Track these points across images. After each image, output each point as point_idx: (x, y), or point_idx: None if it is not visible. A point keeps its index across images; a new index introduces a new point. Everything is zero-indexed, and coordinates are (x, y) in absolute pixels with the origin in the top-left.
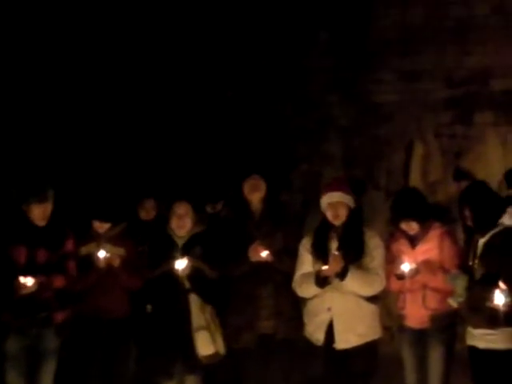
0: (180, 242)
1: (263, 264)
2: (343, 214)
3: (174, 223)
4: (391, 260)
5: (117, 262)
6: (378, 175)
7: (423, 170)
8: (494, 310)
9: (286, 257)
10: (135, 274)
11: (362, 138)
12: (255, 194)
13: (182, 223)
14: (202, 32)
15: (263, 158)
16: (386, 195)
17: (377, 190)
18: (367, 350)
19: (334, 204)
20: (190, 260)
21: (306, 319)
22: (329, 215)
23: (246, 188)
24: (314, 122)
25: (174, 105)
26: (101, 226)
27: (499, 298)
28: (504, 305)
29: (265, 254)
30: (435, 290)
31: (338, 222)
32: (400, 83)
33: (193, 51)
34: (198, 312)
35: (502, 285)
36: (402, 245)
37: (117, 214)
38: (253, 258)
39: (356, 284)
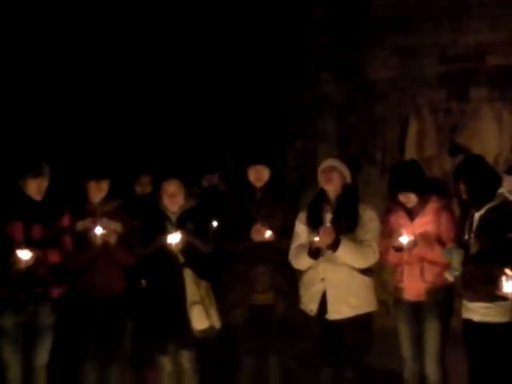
0: (173, 217)
1: (262, 243)
2: (336, 179)
3: (165, 201)
4: (389, 233)
5: (113, 239)
6: (374, 152)
7: (419, 145)
8: (489, 286)
9: (285, 235)
10: (130, 250)
11: (357, 116)
12: (260, 182)
13: (174, 201)
14: (196, 7)
15: (260, 134)
16: (381, 171)
17: (372, 166)
18: (361, 322)
19: (327, 169)
20: (183, 234)
21: (301, 291)
22: (321, 181)
23: (252, 176)
24: (309, 99)
25: (171, 81)
26: (97, 189)
27: (508, 286)
28: None
29: (268, 234)
30: (433, 263)
31: (330, 188)
32: (395, 60)
33: (187, 27)
34: (193, 286)
35: (508, 271)
36: (401, 217)
37: (110, 171)
38: (256, 237)
39: (348, 255)
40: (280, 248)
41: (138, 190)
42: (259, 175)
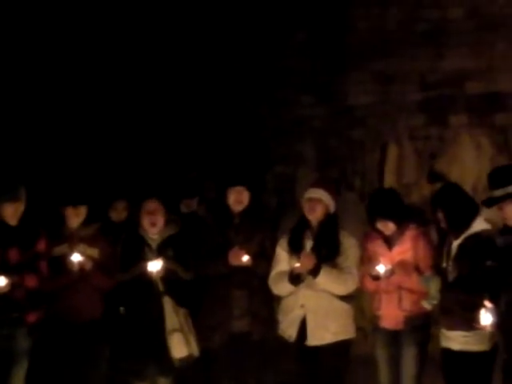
0: (154, 244)
1: (240, 267)
2: (319, 210)
3: (145, 221)
4: (367, 260)
5: (89, 265)
6: (352, 177)
7: (397, 171)
8: (467, 313)
9: (263, 260)
10: (108, 275)
11: (336, 140)
12: (239, 205)
13: (154, 219)
14: (175, 31)
15: (239, 158)
16: (359, 197)
17: (350, 192)
18: (339, 348)
19: (312, 199)
20: (164, 261)
21: (279, 317)
22: (305, 209)
23: (232, 198)
24: (288, 122)
25: (148, 104)
26: (75, 214)
27: (486, 319)
28: (491, 325)
29: (245, 258)
30: (410, 291)
31: (312, 217)
32: (374, 85)
33: (166, 51)
34: (172, 314)
35: (487, 303)
36: (379, 245)
37: (88, 197)
38: (233, 262)
39: (329, 282)
40: (258, 273)
41: (114, 215)
42: (239, 197)
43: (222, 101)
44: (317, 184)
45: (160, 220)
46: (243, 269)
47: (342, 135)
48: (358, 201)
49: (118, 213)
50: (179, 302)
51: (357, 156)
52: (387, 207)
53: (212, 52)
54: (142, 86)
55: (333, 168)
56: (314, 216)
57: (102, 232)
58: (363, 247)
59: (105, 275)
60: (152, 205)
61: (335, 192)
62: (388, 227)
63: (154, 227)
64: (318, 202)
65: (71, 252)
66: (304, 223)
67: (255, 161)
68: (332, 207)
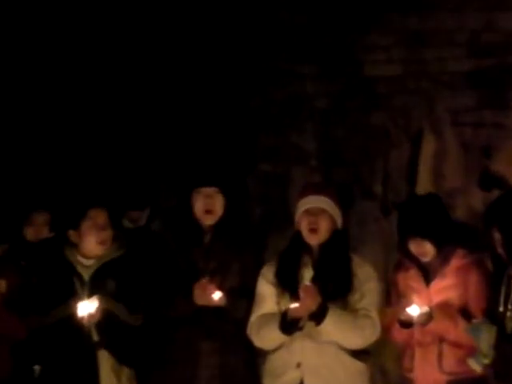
0: (86, 274)
1: (210, 308)
2: (324, 227)
3: (91, 242)
4: (394, 300)
5: None
6: (370, 180)
7: (436, 172)
8: None
9: (244, 299)
10: (18, 318)
11: (348, 127)
12: (211, 216)
13: (106, 237)
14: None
15: (210, 152)
16: (382, 208)
17: (368, 201)
18: None
19: (313, 211)
20: (101, 301)
21: (266, 380)
22: (304, 227)
23: (199, 206)
24: (279, 103)
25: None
26: None
27: None
28: None
29: (217, 296)
30: (455, 345)
31: (315, 239)
32: (403, 50)
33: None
34: (111, 376)
35: None
36: (411, 278)
37: None
38: (200, 300)
39: (338, 331)
40: (235, 317)
41: (30, 233)
42: (210, 203)
43: (182, 67)
44: (317, 189)
45: (110, 238)
46: (214, 311)
47: (355, 121)
48: (378, 214)
49: (37, 229)
50: (121, 358)
51: (377, 151)
52: (424, 221)
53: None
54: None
55: (342, 168)
56: (317, 237)
57: (10, 256)
58: (389, 280)
59: (13, 318)
60: (100, 217)
61: (339, 200)
62: (425, 251)
63: (102, 246)
64: (321, 215)
65: None
66: (300, 244)
67: (233, 156)
68: (339, 221)
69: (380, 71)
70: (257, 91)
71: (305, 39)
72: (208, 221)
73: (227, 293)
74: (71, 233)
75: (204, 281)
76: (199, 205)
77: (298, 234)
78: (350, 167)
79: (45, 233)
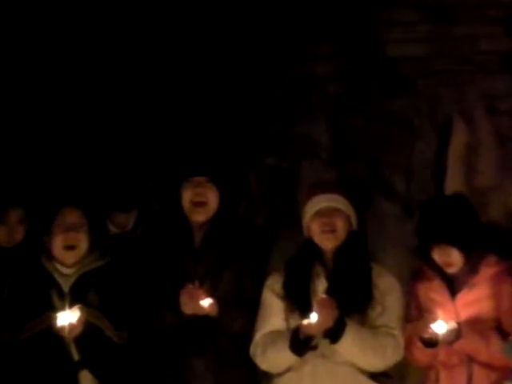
0: (66, 283)
1: (201, 319)
2: (341, 227)
3: (58, 246)
4: (417, 315)
5: None
6: (392, 176)
7: (467, 167)
8: None
9: (239, 308)
10: None
11: (365, 115)
12: (202, 211)
13: (73, 239)
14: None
15: (204, 143)
16: (404, 209)
17: (389, 201)
18: None
19: (325, 212)
20: (83, 312)
21: None
22: (316, 230)
23: (187, 198)
24: (287, 87)
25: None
26: None
27: None
28: None
29: (206, 303)
30: (488, 366)
31: (331, 241)
32: (429, 27)
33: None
34: None
35: None
36: (435, 289)
37: None
38: (187, 309)
39: (356, 350)
40: (229, 330)
41: (2, 234)
42: (201, 193)
43: (179, 51)
44: (326, 187)
45: (83, 243)
46: (205, 323)
47: (374, 108)
48: (400, 215)
49: (10, 229)
50: (105, 380)
51: (399, 142)
52: (450, 225)
53: None
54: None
55: (359, 162)
56: (333, 237)
57: None
58: (411, 293)
59: None
60: (71, 216)
61: (352, 199)
62: (451, 259)
63: (71, 252)
64: (335, 215)
65: None
66: (311, 251)
67: (232, 148)
68: (354, 222)
69: (402, 51)
70: (260, 75)
71: (316, 14)
72: (198, 216)
73: (219, 301)
74: (45, 238)
75: (191, 286)
76: (188, 195)
77: (309, 240)
78: (367, 161)
79: (19, 233)
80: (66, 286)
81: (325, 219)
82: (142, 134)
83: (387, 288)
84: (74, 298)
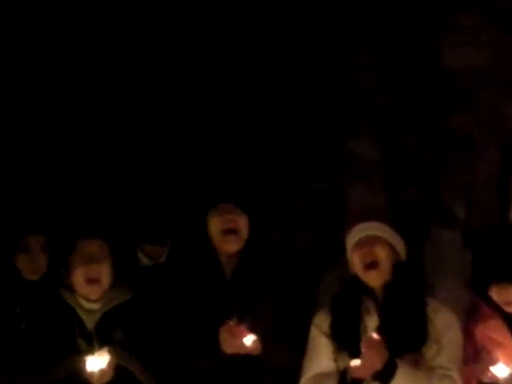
0: (90, 320)
1: (240, 358)
2: (383, 258)
3: (79, 279)
4: (474, 355)
5: None
6: (450, 200)
7: None
8: None
9: (282, 345)
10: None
11: (419, 132)
12: (232, 241)
13: (96, 273)
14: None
15: (243, 172)
16: (463, 238)
17: (447, 228)
18: None
19: (365, 241)
20: (112, 355)
21: None
22: (357, 264)
23: (216, 228)
24: (331, 101)
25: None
26: None
27: None
28: None
29: (249, 340)
30: None
31: (375, 277)
32: (493, 33)
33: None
34: None
35: None
36: (495, 330)
37: None
38: (228, 348)
39: None
40: (273, 368)
41: (24, 266)
42: (230, 220)
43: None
44: (365, 215)
45: (106, 274)
46: (246, 360)
47: (430, 124)
48: (460, 244)
49: (31, 257)
50: None
51: (458, 162)
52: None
53: None
54: None
55: (414, 186)
56: (375, 272)
57: None
58: (467, 331)
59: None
60: (91, 247)
61: (398, 225)
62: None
63: (94, 286)
64: (376, 245)
65: None
66: (358, 286)
67: (275, 171)
68: (402, 251)
69: (461, 60)
70: (301, 84)
71: (368, 21)
72: (230, 245)
73: (261, 337)
74: (63, 272)
75: (231, 323)
76: (216, 223)
77: (354, 276)
78: (423, 184)
79: (42, 262)
80: (90, 322)
81: (365, 249)
82: (168, 159)
83: (444, 325)
84: (100, 336)
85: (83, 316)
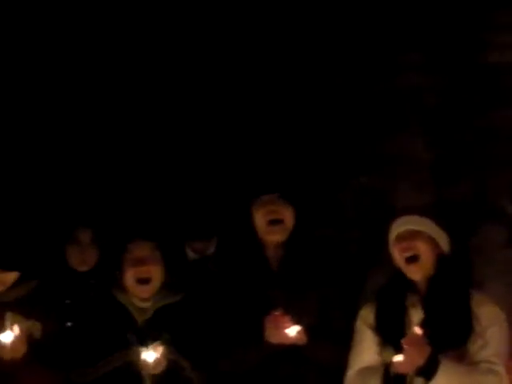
0: (141, 317)
1: (286, 349)
2: (424, 252)
3: (130, 280)
4: None
5: (22, 351)
6: (499, 197)
7: None
8: None
9: (326, 338)
10: (52, 373)
11: (469, 130)
12: (277, 231)
13: (146, 273)
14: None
15: (289, 164)
16: None
17: (496, 225)
18: None
19: (404, 235)
20: (165, 349)
21: None
22: (398, 259)
23: (261, 219)
24: (378, 100)
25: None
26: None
27: None
28: None
29: (294, 330)
30: None
31: (416, 271)
32: None
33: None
34: None
35: None
36: None
37: (23, 259)
38: (274, 338)
39: None
40: (318, 362)
41: (74, 258)
42: (276, 212)
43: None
44: (411, 209)
45: (156, 274)
46: (291, 354)
47: (479, 121)
48: (507, 240)
49: (81, 249)
50: None
51: (506, 159)
52: None
53: None
54: None
55: (463, 183)
56: (416, 266)
57: (44, 291)
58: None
59: (47, 373)
60: (141, 250)
61: (446, 221)
62: None
63: (145, 285)
64: (416, 238)
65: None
66: (402, 281)
67: (322, 168)
68: (445, 245)
69: (509, 58)
70: (351, 86)
71: (415, 21)
72: (275, 235)
73: (305, 329)
74: (117, 273)
75: (277, 313)
76: (261, 214)
77: (398, 271)
78: (471, 181)
79: (92, 255)
80: (141, 320)
81: (404, 244)
82: (209, 153)
83: (489, 319)
84: (150, 333)
85: (134, 313)
